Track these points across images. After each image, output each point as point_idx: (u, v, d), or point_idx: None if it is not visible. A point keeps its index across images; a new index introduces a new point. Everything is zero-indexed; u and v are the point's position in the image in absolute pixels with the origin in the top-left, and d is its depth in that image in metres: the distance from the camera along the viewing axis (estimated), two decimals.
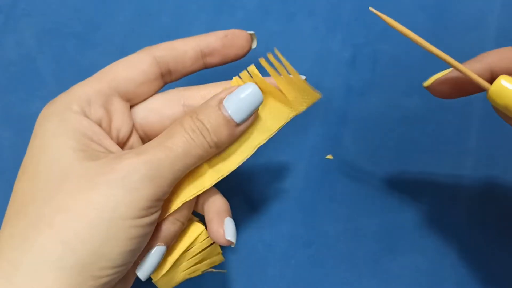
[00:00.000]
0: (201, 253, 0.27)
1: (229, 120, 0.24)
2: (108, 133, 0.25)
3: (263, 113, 0.26)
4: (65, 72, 0.37)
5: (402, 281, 0.32)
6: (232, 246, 0.26)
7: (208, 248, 0.27)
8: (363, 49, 0.37)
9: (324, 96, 0.36)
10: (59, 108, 0.24)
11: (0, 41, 0.38)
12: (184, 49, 0.27)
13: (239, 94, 0.24)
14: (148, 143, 0.23)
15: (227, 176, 0.32)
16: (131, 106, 0.27)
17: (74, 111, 0.24)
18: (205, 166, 0.26)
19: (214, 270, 0.28)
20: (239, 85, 0.25)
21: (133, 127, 0.26)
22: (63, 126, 0.23)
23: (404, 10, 0.37)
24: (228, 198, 0.31)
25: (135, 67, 0.26)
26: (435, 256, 0.32)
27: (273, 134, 0.26)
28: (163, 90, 0.28)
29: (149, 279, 0.26)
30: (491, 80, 0.24)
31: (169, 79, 0.27)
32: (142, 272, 0.24)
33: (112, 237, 0.21)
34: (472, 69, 0.24)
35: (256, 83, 0.25)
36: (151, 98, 0.27)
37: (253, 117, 0.25)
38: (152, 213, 0.22)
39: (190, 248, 0.27)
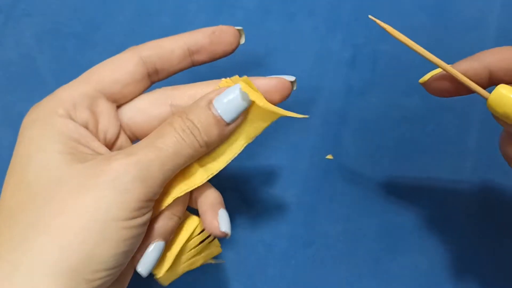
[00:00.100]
0: (200, 245, 0.27)
1: (219, 120, 0.24)
2: (95, 135, 0.25)
3: (250, 112, 0.26)
4: (65, 72, 0.37)
5: (402, 281, 0.32)
6: (227, 237, 0.26)
7: (206, 240, 0.27)
8: (363, 49, 0.37)
9: (324, 96, 0.36)
10: (44, 112, 0.23)
11: (0, 41, 0.38)
12: (171, 48, 0.26)
13: (229, 95, 0.24)
14: (138, 144, 0.23)
15: (227, 176, 0.32)
16: (118, 107, 0.26)
17: (60, 114, 0.23)
18: (195, 165, 0.26)
19: (213, 261, 0.28)
20: (228, 86, 0.25)
21: (121, 127, 0.26)
22: (48, 130, 0.23)
23: (404, 10, 0.37)
24: (227, 198, 0.31)
25: (120, 67, 0.25)
26: (435, 256, 0.32)
27: (260, 133, 0.26)
28: (151, 89, 0.27)
29: (150, 275, 0.25)
30: (489, 80, 0.24)
31: (156, 79, 0.27)
32: (143, 269, 0.24)
33: (105, 239, 0.21)
34: (470, 68, 0.24)
35: (245, 84, 0.25)
36: (138, 98, 0.27)
37: (242, 117, 0.25)
38: (144, 214, 0.22)
39: (189, 241, 0.27)
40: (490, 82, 0.24)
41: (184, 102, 0.26)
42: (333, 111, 0.35)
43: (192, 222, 0.27)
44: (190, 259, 0.27)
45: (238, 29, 0.27)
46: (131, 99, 0.26)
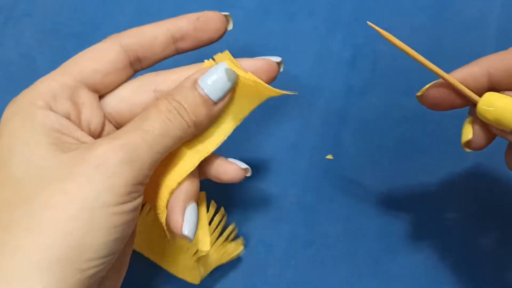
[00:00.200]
0: (225, 242, 0.31)
1: (206, 99, 0.24)
2: (78, 126, 0.24)
3: (237, 93, 0.25)
4: None
5: (402, 281, 0.32)
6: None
7: (230, 236, 0.31)
8: (363, 49, 0.37)
9: (324, 96, 0.36)
10: (23, 105, 0.23)
11: (0, 41, 0.38)
12: (153, 35, 0.25)
13: (213, 73, 0.24)
14: (123, 128, 0.23)
15: None
16: (101, 97, 0.26)
17: (39, 106, 0.23)
18: (184, 149, 0.25)
19: (235, 250, 0.31)
20: (212, 66, 0.24)
21: (105, 118, 0.26)
22: (29, 122, 0.22)
23: (404, 10, 0.37)
24: (227, 198, 0.31)
25: (101, 57, 0.25)
26: (435, 256, 0.32)
27: (248, 113, 0.26)
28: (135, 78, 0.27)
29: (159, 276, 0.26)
30: (489, 84, 0.24)
31: (139, 67, 0.26)
32: (189, 231, 0.24)
33: (95, 227, 0.20)
34: (469, 73, 0.24)
35: (229, 62, 0.25)
36: (120, 86, 0.26)
37: (229, 95, 0.24)
38: (134, 198, 0.22)
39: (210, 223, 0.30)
40: (490, 88, 0.24)
41: (167, 87, 0.25)
42: (333, 111, 0.35)
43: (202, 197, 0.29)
44: (217, 254, 0.30)
45: (225, 15, 0.26)
46: (114, 89, 0.26)
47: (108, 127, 0.26)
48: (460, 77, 0.24)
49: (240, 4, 0.38)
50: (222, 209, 0.31)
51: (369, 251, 0.32)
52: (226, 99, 0.24)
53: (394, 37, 0.24)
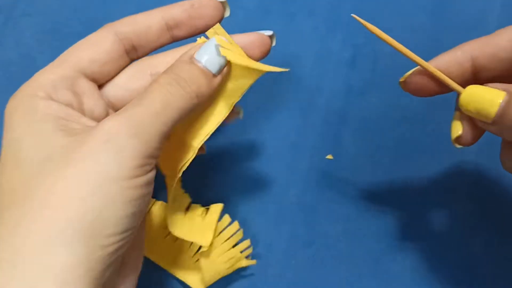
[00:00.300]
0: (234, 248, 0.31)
1: (205, 71, 0.24)
2: (82, 114, 0.24)
3: (232, 71, 0.25)
4: None
5: (402, 281, 0.32)
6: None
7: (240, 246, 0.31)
8: (363, 49, 0.37)
9: (324, 96, 0.36)
10: (25, 98, 0.23)
11: (0, 41, 0.38)
12: (147, 23, 0.26)
13: (208, 47, 0.24)
14: (127, 105, 0.23)
15: (226, 177, 0.32)
16: (100, 86, 0.26)
17: (41, 97, 0.23)
18: (184, 136, 0.26)
19: (246, 263, 0.31)
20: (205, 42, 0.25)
21: (108, 106, 0.26)
22: (33, 113, 0.22)
23: (404, 10, 0.37)
24: (227, 198, 0.31)
25: (97, 46, 0.25)
26: (435, 256, 0.32)
27: (243, 92, 0.26)
28: None
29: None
30: (473, 69, 0.24)
31: (136, 55, 0.26)
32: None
33: (110, 202, 0.20)
34: (453, 57, 0.24)
35: (219, 38, 0.25)
36: (118, 75, 0.26)
37: (226, 68, 0.25)
38: (146, 172, 0.22)
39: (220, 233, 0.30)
40: (474, 72, 0.24)
41: (163, 69, 0.25)
42: (333, 111, 0.35)
43: (216, 208, 0.30)
44: (227, 261, 0.30)
45: (221, 1, 0.26)
46: (112, 78, 0.26)
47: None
48: (444, 62, 0.24)
49: (240, 4, 0.38)
50: (237, 223, 0.31)
51: (369, 251, 0.32)
52: (224, 72, 0.25)
53: (376, 28, 0.24)
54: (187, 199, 0.30)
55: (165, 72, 0.24)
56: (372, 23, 0.38)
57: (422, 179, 0.33)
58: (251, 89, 0.26)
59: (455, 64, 0.24)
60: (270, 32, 0.26)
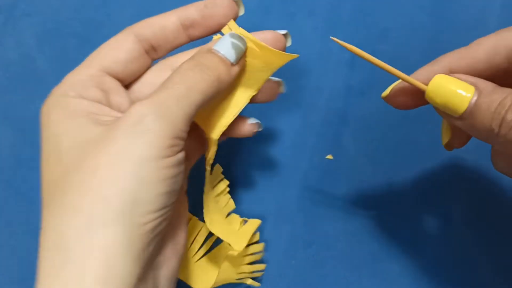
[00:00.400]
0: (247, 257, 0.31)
1: (224, 59, 0.25)
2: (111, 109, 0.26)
3: (251, 64, 0.26)
4: (65, 72, 0.36)
5: (402, 281, 0.32)
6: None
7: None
8: (363, 49, 0.37)
9: (324, 96, 0.36)
10: (58, 98, 0.24)
11: (0, 41, 0.38)
12: (162, 24, 0.27)
13: (225, 40, 0.25)
14: (153, 91, 0.24)
15: (226, 176, 0.32)
16: (128, 86, 0.27)
17: (72, 96, 0.24)
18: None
19: (251, 283, 0.31)
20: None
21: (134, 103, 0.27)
22: (66, 111, 0.24)
23: (404, 10, 0.37)
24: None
25: (118, 48, 0.26)
26: (435, 256, 0.32)
27: (263, 83, 0.27)
28: None
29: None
30: None
31: (156, 56, 0.28)
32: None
33: (144, 181, 0.21)
34: (431, 71, 0.24)
35: (235, 27, 0.26)
36: (144, 74, 0.28)
37: (244, 58, 0.26)
38: (175, 152, 0.23)
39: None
40: None
41: None
42: (333, 111, 0.35)
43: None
44: (240, 273, 0.31)
45: (234, 0, 0.27)
46: (138, 77, 0.27)
47: None
48: (423, 77, 0.24)
49: None
50: (263, 244, 0.32)
51: (369, 251, 0.32)
52: (242, 61, 0.26)
53: (353, 47, 0.24)
54: (224, 184, 0.31)
55: (187, 60, 0.25)
56: (372, 23, 0.38)
57: (422, 179, 0.33)
58: None
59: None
60: (284, 31, 0.27)
